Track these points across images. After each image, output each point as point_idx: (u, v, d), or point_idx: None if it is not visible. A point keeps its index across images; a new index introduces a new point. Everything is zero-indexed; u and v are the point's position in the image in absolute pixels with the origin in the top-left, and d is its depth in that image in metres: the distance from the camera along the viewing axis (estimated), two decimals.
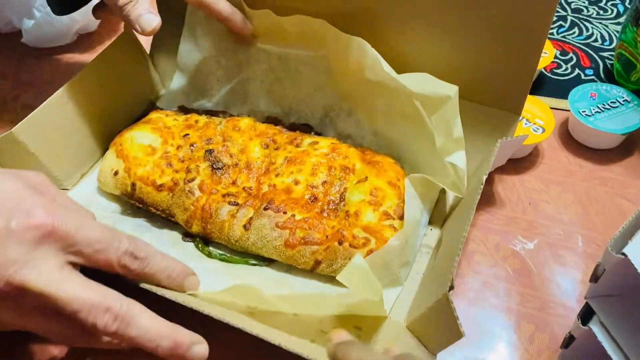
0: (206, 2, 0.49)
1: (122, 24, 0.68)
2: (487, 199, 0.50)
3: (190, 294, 0.39)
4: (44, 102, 0.47)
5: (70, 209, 0.36)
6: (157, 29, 0.46)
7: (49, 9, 0.61)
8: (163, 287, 0.38)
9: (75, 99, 0.49)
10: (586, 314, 0.38)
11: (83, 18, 0.64)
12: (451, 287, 0.35)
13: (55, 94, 0.47)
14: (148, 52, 0.57)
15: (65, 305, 0.33)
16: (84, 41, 0.67)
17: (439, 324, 0.36)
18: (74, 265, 0.35)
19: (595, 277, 0.36)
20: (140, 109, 0.56)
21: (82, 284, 0.34)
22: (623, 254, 0.33)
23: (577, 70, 0.62)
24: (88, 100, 0.50)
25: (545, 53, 0.59)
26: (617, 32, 0.66)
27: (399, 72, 0.46)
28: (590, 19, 0.68)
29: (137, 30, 0.46)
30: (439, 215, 0.47)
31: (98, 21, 0.67)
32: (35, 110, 0.46)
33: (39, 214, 0.33)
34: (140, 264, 0.37)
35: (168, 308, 0.36)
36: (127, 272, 0.36)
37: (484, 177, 0.41)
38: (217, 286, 0.39)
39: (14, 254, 0.32)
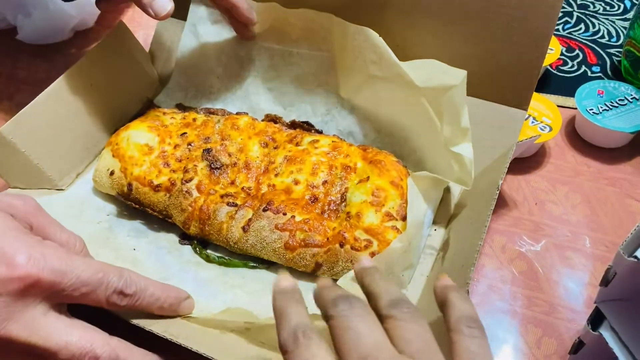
0: None
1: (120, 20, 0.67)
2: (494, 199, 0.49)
3: (185, 317, 0.38)
4: (33, 100, 0.45)
5: (58, 247, 0.34)
6: (170, 14, 0.45)
7: (44, 4, 0.60)
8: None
9: (66, 97, 0.48)
10: (596, 319, 0.37)
11: (79, 14, 0.63)
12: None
13: (44, 91, 0.46)
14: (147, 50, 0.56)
15: (52, 355, 0.32)
16: (80, 38, 0.65)
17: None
18: (60, 305, 0.34)
19: (605, 281, 0.35)
20: (137, 106, 0.54)
21: (67, 329, 0.33)
22: (636, 257, 0.32)
23: (583, 67, 0.61)
24: (80, 98, 0.49)
25: (552, 50, 0.58)
26: (624, 28, 0.65)
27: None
28: (597, 15, 0.67)
29: (150, 15, 0.45)
30: (443, 214, 0.46)
31: (95, 17, 0.65)
32: (24, 109, 0.45)
33: (22, 263, 0.31)
34: (130, 300, 0.35)
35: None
36: (117, 308, 0.35)
37: (500, 182, 0.40)
38: (214, 302, 0.39)
39: None
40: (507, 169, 0.42)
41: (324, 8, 0.48)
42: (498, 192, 0.40)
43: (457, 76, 0.43)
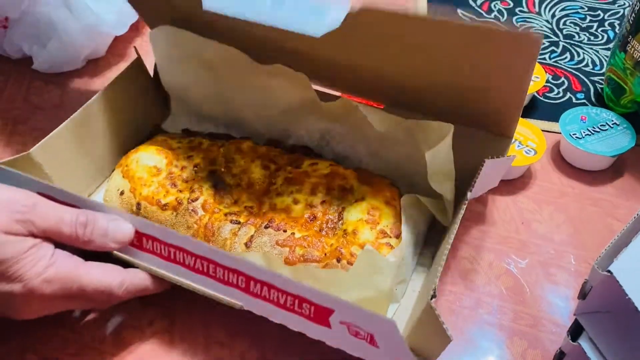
0: None
1: (130, 50, 0.70)
2: (482, 219, 0.52)
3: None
4: (60, 126, 0.49)
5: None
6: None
7: (58, 36, 0.63)
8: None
9: (88, 124, 0.52)
10: (576, 331, 0.39)
11: (92, 43, 0.66)
12: (433, 296, 0.36)
13: (70, 118, 0.50)
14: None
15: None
16: (92, 66, 0.69)
17: (428, 333, 0.37)
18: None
19: (583, 294, 0.38)
20: (147, 131, 0.58)
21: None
22: (609, 271, 0.35)
23: (568, 94, 0.65)
24: (100, 125, 0.53)
25: (537, 78, 0.61)
26: (607, 57, 0.68)
27: (393, 96, 0.48)
28: (582, 45, 0.71)
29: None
30: (435, 234, 0.49)
31: (106, 47, 0.69)
32: (51, 133, 0.48)
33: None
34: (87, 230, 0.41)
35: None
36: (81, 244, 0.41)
37: (468, 194, 0.42)
38: None
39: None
40: (475, 181, 0.43)
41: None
42: (467, 202, 0.43)
43: (445, 129, 0.45)
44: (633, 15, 0.56)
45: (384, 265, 0.41)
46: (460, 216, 0.42)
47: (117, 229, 0.41)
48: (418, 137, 0.48)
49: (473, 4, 0.77)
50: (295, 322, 0.39)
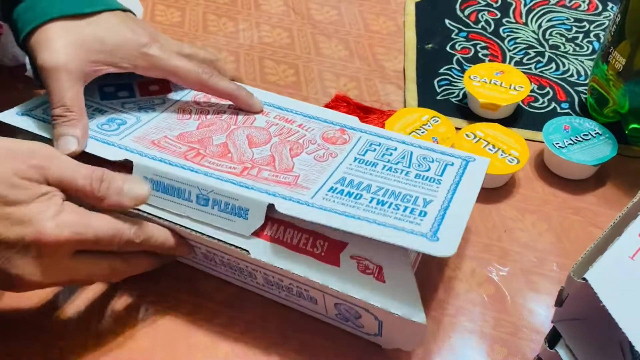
0: (208, 84, 0.50)
1: None
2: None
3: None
4: None
5: (76, 209, 0.40)
6: (72, 155, 0.44)
7: None
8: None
9: None
10: (553, 337, 0.40)
11: None
12: None
13: None
14: None
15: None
16: None
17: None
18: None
19: (560, 302, 0.38)
20: None
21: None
22: (584, 279, 0.35)
23: (553, 104, 0.65)
24: None
25: (522, 87, 0.62)
26: (592, 67, 0.69)
27: None
28: (567, 55, 0.72)
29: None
30: None
31: None
32: None
33: (48, 231, 0.37)
34: (139, 246, 0.42)
35: None
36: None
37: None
38: None
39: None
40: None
41: None
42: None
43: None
44: (614, 26, 0.57)
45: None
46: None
47: (132, 187, 0.41)
48: None
49: (461, 15, 0.78)
50: (303, 268, 0.40)
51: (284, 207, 0.40)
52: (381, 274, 0.39)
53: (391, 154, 0.46)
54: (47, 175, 0.39)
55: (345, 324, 0.44)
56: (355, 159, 0.46)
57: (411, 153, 0.46)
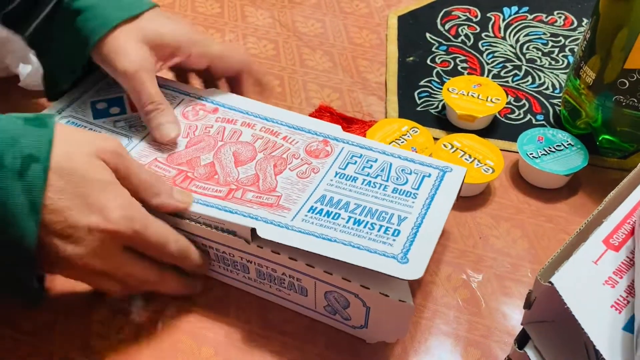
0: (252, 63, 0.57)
1: None
2: (442, 233, 0.54)
3: None
4: None
5: (141, 208, 0.42)
6: (174, 139, 0.49)
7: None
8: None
9: None
10: (522, 339, 0.41)
11: None
12: None
13: None
14: None
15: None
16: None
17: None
18: None
19: (528, 304, 0.40)
20: None
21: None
22: (550, 282, 0.37)
23: (529, 116, 0.68)
24: None
25: (498, 99, 0.64)
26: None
27: None
28: (543, 69, 0.74)
29: (154, 138, 0.50)
30: None
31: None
32: None
33: (115, 220, 0.39)
34: (174, 260, 0.45)
35: None
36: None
37: None
38: None
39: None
40: None
41: None
42: None
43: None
44: (585, 42, 0.59)
45: None
46: None
47: (180, 191, 0.45)
48: None
49: (441, 29, 0.80)
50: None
51: (264, 232, 0.43)
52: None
53: (371, 166, 0.48)
54: (119, 165, 0.41)
55: (332, 317, 0.45)
56: (337, 173, 0.48)
57: (390, 165, 0.48)
